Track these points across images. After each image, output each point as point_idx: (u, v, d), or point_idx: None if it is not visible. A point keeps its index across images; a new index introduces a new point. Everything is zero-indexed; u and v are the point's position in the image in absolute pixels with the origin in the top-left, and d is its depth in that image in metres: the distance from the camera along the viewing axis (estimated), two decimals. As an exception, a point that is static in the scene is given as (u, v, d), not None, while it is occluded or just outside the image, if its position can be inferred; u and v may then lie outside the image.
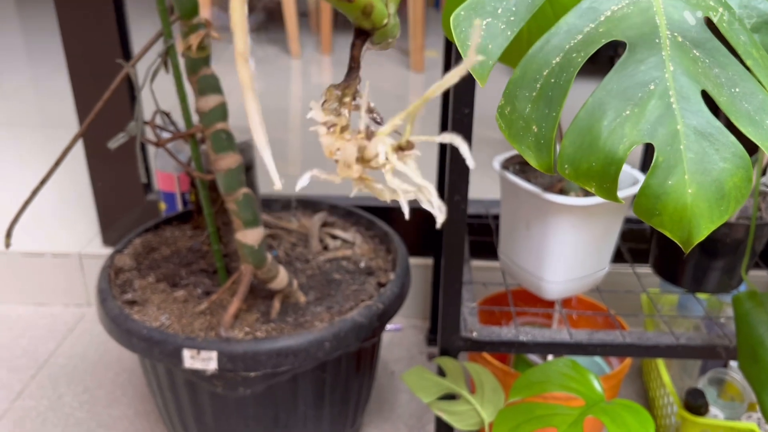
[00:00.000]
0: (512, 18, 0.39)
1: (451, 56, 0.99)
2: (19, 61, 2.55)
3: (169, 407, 0.84)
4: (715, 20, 0.38)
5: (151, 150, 1.20)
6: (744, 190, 0.33)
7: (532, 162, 0.37)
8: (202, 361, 0.73)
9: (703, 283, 0.85)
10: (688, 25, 0.37)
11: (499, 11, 0.39)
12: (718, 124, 0.34)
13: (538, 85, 0.37)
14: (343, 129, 0.25)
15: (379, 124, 0.24)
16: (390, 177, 0.21)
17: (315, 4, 2.68)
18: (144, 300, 0.81)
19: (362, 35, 0.24)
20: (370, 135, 0.23)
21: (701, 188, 0.33)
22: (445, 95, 1.02)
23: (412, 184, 0.21)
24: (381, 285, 0.87)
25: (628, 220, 1.04)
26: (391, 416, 1.03)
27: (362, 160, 0.23)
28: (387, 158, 0.21)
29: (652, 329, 1.05)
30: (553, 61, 0.37)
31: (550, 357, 0.95)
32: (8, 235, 0.77)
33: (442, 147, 1.05)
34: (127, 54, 1.09)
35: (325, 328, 0.75)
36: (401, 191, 0.21)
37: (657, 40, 0.36)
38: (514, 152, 0.87)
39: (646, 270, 0.94)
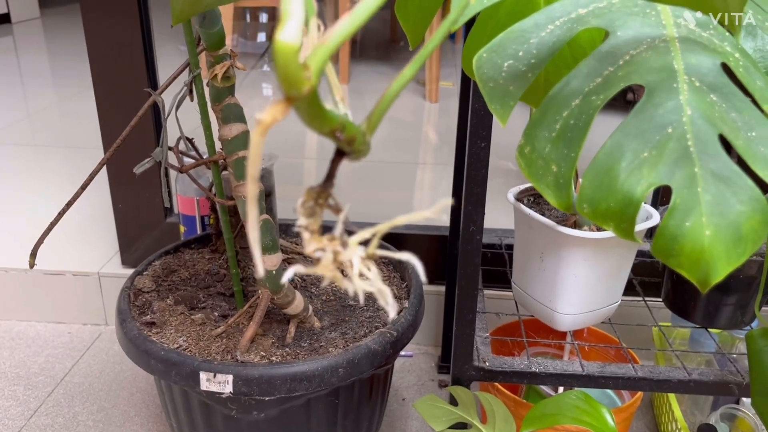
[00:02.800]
0: (533, 61, 0.41)
1: (469, 89, 1.01)
2: (45, 82, 2.60)
3: (183, 428, 0.85)
4: (731, 65, 0.39)
5: (172, 174, 1.22)
6: (761, 233, 0.34)
7: (552, 201, 0.38)
8: (218, 384, 0.74)
9: (716, 319, 0.86)
10: (705, 69, 0.38)
11: (520, 54, 0.41)
12: (735, 167, 0.35)
13: (558, 126, 0.39)
14: (321, 228, 0.29)
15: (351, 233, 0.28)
16: (356, 279, 0.26)
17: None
18: (162, 322, 0.82)
19: (342, 154, 0.29)
20: (344, 243, 0.27)
21: (718, 230, 0.34)
22: (462, 129, 1.03)
23: (373, 285, 0.25)
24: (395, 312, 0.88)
25: (639, 254, 1.05)
26: (401, 444, 1.04)
27: (337, 262, 0.27)
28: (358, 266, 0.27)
29: (663, 363, 1.05)
30: (573, 103, 0.39)
31: (560, 389, 0.96)
32: (33, 255, 0.79)
33: (457, 177, 1.06)
34: (153, 80, 1.11)
35: (340, 354, 0.76)
36: (362, 290, 0.25)
37: (675, 85, 0.38)
38: (528, 184, 0.88)
39: (657, 303, 0.94)
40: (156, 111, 1.15)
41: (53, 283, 1.25)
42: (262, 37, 3.09)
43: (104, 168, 1.18)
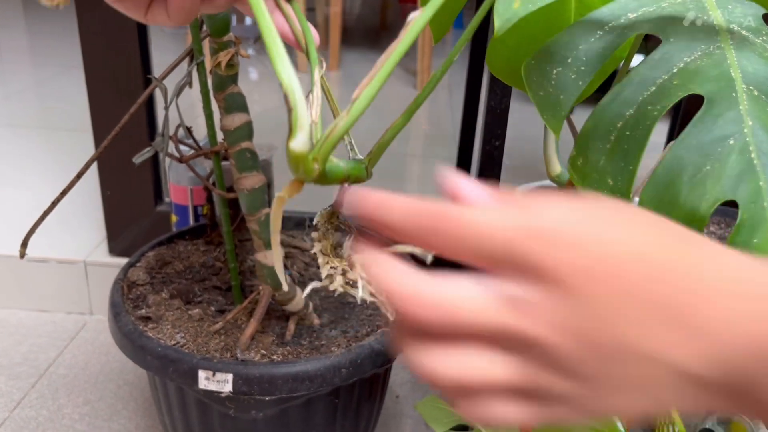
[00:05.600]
0: (583, 68, 0.39)
1: (479, 85, 0.99)
2: (24, 62, 2.53)
3: (177, 426, 0.83)
4: (788, 76, 0.38)
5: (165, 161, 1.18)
6: (827, 252, 0.32)
7: (604, 213, 0.36)
8: (218, 383, 0.71)
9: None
10: (762, 78, 0.37)
11: (569, 60, 0.39)
12: (799, 182, 0.34)
13: (613, 137, 0.37)
14: (332, 246, 0.35)
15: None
16: (361, 290, 0.32)
17: (323, 20, 2.68)
18: (158, 317, 0.79)
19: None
20: (351, 264, 0.33)
21: (786, 249, 0.33)
22: (466, 127, 1.01)
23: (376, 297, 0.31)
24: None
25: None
26: (396, 442, 1.02)
27: (345, 277, 0.33)
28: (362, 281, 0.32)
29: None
30: (627, 113, 0.37)
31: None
32: (24, 244, 0.76)
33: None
34: (146, 64, 1.08)
35: (342, 353, 0.74)
36: (368, 297, 0.32)
37: (734, 94, 0.36)
38: (534, 184, 0.87)
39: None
40: (149, 98, 1.11)
41: (37, 271, 1.21)
42: (249, 20, 3.04)
43: (92, 144, 1.14)
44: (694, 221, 0.34)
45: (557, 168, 0.72)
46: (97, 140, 1.12)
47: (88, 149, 1.11)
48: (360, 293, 0.32)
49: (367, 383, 0.82)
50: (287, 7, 0.36)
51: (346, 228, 0.37)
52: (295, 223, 1.03)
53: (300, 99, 0.29)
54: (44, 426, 1.00)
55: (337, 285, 0.34)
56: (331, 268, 0.35)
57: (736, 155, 0.34)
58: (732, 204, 0.35)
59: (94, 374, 1.11)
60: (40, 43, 2.76)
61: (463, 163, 1.05)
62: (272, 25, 0.29)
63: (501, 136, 0.69)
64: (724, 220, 0.94)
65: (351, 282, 0.34)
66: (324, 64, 0.37)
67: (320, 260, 0.35)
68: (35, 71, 2.40)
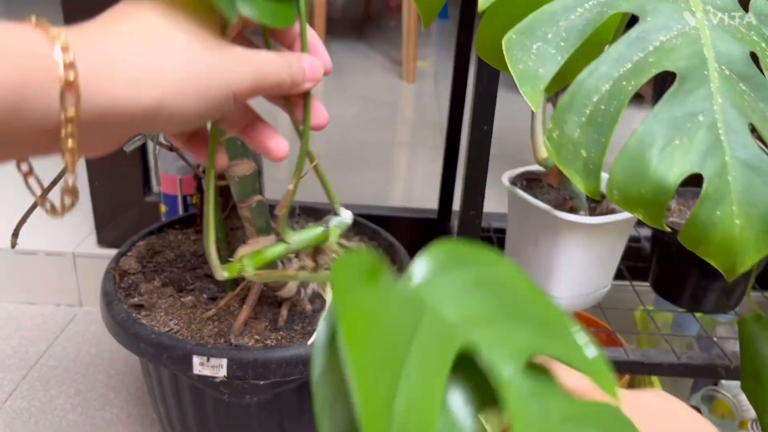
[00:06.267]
0: (562, 44, 0.40)
1: (466, 72, 1.00)
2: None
3: (171, 413, 0.84)
4: (758, 55, 0.39)
5: (153, 151, 1.19)
6: (792, 222, 0.34)
7: (580, 186, 0.38)
8: (212, 368, 0.72)
9: (702, 303, 0.87)
10: (735, 58, 0.38)
11: (549, 36, 0.40)
12: (765, 157, 0.35)
13: (588, 111, 0.38)
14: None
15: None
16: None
17: (307, 10, 2.68)
18: (151, 304, 0.80)
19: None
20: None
21: (749, 220, 0.34)
22: (454, 112, 1.03)
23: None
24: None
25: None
26: (387, 426, 1.04)
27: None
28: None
29: (646, 346, 1.07)
30: (603, 88, 0.38)
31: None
32: (15, 234, 0.76)
33: (448, 161, 1.06)
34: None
35: (335, 337, 0.76)
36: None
37: (705, 72, 0.38)
38: (521, 169, 0.88)
39: (640, 288, 0.95)
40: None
41: (25, 263, 1.21)
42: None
43: (81, 145, 1.15)
44: (661, 193, 0.36)
45: (544, 152, 0.74)
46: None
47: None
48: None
49: (358, 366, 0.84)
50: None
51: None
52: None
53: None
54: (36, 417, 1.01)
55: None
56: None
57: (704, 131, 0.36)
58: (692, 183, 0.37)
59: (84, 365, 1.12)
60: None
61: (452, 150, 1.06)
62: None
63: (489, 122, 0.70)
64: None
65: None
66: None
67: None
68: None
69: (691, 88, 0.37)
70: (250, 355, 0.72)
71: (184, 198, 1.08)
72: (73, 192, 0.30)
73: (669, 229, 0.37)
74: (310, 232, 0.45)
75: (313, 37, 0.38)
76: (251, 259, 0.42)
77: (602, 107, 0.38)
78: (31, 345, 1.15)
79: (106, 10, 0.30)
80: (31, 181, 0.31)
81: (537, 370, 0.27)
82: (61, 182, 0.30)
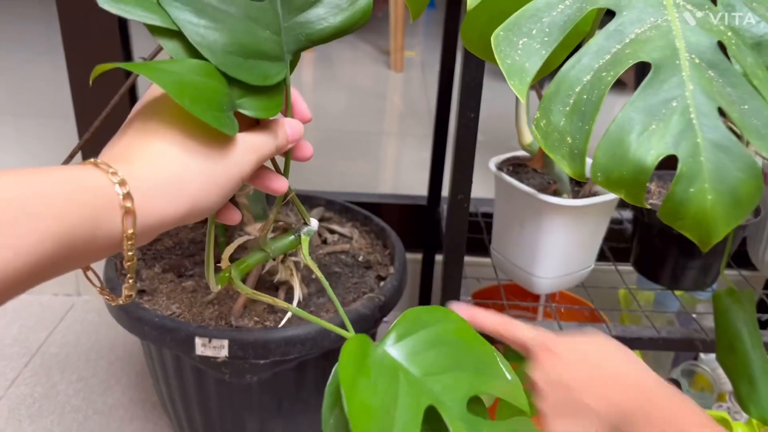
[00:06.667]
0: (546, 39, 0.43)
1: (453, 61, 1.03)
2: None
3: (174, 394, 0.87)
4: (725, 43, 0.43)
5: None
6: (755, 197, 0.38)
7: (567, 170, 0.41)
8: (214, 348, 0.75)
9: (681, 281, 0.91)
10: (704, 47, 0.42)
11: (534, 32, 0.43)
12: (733, 137, 0.39)
13: (572, 101, 0.42)
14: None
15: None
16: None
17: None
18: (153, 290, 0.83)
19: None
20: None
21: (719, 195, 0.38)
22: (442, 100, 1.06)
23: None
24: (380, 278, 0.91)
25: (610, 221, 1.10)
26: (381, 405, 1.07)
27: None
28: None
29: (628, 323, 1.11)
30: (585, 79, 0.42)
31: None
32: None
33: (436, 148, 1.09)
34: (126, 51, 1.10)
35: (331, 318, 0.79)
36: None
37: (677, 62, 0.41)
38: (507, 155, 0.91)
39: (622, 268, 0.99)
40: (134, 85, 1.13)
41: (23, 254, 1.23)
42: None
43: (77, 136, 1.17)
44: (641, 173, 0.39)
45: (528, 138, 0.77)
46: (80, 126, 1.14)
47: (63, 135, 1.13)
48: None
49: (354, 346, 0.87)
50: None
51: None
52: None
53: None
54: (40, 402, 1.04)
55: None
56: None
57: (678, 116, 0.39)
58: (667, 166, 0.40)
59: (85, 352, 1.15)
60: (6, 29, 2.73)
61: (440, 138, 1.09)
62: None
63: (476, 109, 0.73)
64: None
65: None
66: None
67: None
68: (2, 58, 2.38)
69: (665, 77, 0.40)
70: (250, 336, 0.75)
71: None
72: (132, 288, 0.38)
73: (649, 206, 0.40)
74: (284, 241, 0.51)
75: (294, 94, 0.44)
76: (237, 267, 0.48)
77: (584, 97, 0.41)
78: (31, 333, 1.18)
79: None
80: (90, 274, 0.39)
81: (474, 403, 0.42)
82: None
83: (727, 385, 1.00)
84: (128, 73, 1.12)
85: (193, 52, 0.38)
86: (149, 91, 0.40)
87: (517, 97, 0.75)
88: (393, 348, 0.42)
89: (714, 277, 0.91)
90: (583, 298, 1.10)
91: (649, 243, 0.92)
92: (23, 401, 1.03)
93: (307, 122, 0.45)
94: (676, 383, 0.93)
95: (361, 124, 1.91)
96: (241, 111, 0.39)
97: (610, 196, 0.82)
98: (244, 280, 0.82)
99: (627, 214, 1.09)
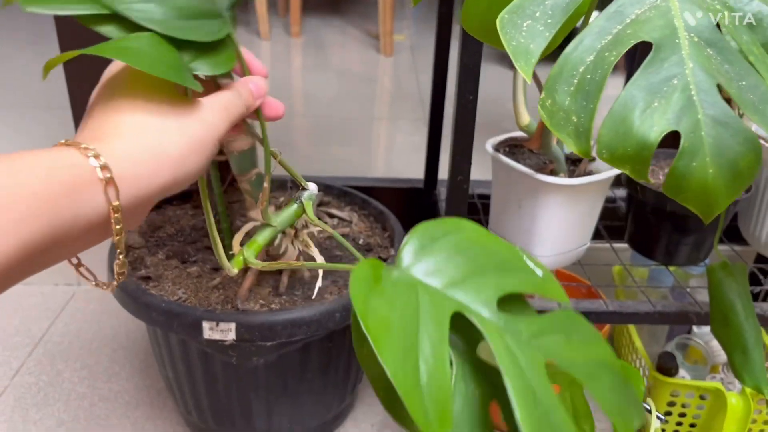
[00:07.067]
0: (549, 20, 0.44)
1: (447, 44, 1.04)
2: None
3: (180, 379, 0.88)
4: (722, 22, 0.44)
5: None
6: (754, 169, 0.39)
7: (573, 148, 0.43)
8: (221, 332, 0.77)
9: (675, 256, 0.93)
10: (702, 26, 0.43)
11: (537, 14, 0.45)
12: (731, 112, 0.40)
13: (576, 81, 0.43)
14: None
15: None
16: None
17: (281, -14, 2.68)
18: (158, 276, 0.84)
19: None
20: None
21: (720, 169, 0.39)
22: (437, 83, 1.07)
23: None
24: (382, 260, 0.92)
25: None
26: (383, 385, 1.09)
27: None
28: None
29: (623, 299, 1.14)
30: (588, 59, 0.43)
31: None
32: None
33: (432, 130, 1.10)
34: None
35: (335, 300, 0.80)
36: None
37: (677, 41, 0.42)
38: (503, 136, 0.93)
39: (617, 246, 1.01)
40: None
41: (22, 245, 1.24)
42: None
43: (72, 124, 1.17)
44: (644, 149, 0.41)
45: (526, 119, 0.79)
46: (77, 116, 1.14)
47: (72, 122, 1.13)
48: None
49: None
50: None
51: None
52: (278, 186, 1.08)
53: None
54: (45, 390, 1.05)
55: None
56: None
57: (678, 93, 0.41)
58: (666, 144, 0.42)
59: (88, 341, 1.15)
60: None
61: (436, 121, 1.10)
62: None
63: (474, 91, 0.74)
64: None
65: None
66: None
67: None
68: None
69: (665, 56, 0.42)
70: (256, 318, 0.76)
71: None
72: (123, 266, 0.38)
73: (652, 181, 0.42)
74: (289, 211, 0.52)
75: (245, 53, 0.45)
76: (249, 248, 0.49)
77: (588, 76, 0.42)
78: (33, 323, 1.18)
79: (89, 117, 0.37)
80: (82, 269, 0.39)
81: (509, 302, 0.38)
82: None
83: (720, 358, 1.02)
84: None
85: (131, 29, 0.39)
86: (105, 73, 0.40)
87: (514, 79, 0.76)
88: (408, 267, 0.39)
89: (707, 252, 0.93)
90: (580, 276, 1.12)
91: (643, 220, 0.94)
92: (29, 390, 1.04)
93: (264, 76, 0.46)
94: (671, 356, 0.96)
95: (352, 109, 1.92)
96: (197, 72, 0.40)
97: (606, 175, 0.84)
98: (246, 276, 0.83)
99: (620, 193, 1.11)
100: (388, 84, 2.18)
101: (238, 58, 0.44)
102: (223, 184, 0.89)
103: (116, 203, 0.33)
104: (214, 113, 0.39)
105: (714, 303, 0.77)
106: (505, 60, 2.11)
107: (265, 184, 0.51)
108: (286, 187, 1.08)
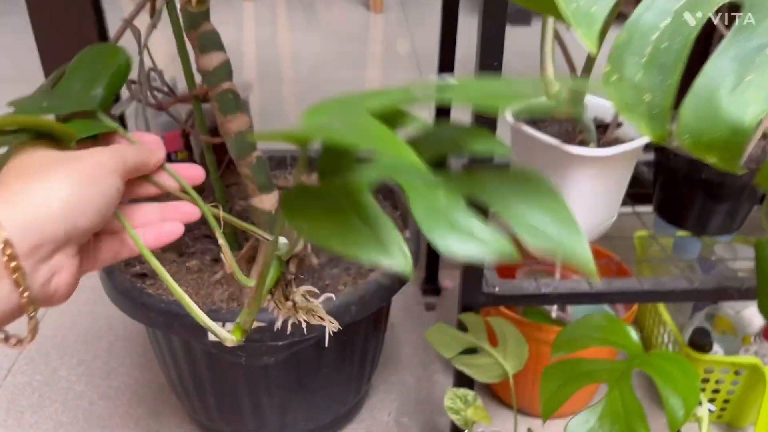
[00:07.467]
0: (612, -23, 0.37)
1: (456, 5, 0.95)
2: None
3: (184, 379, 0.82)
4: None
5: (129, 109, 1.13)
6: None
7: (646, 132, 0.36)
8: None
9: (707, 226, 0.87)
10: (799, -17, 0.36)
11: (599, -32, 0.37)
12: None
13: (648, 51, 0.36)
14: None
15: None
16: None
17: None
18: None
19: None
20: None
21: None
22: (445, 47, 0.98)
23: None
24: (395, 243, 0.85)
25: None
26: (397, 368, 1.04)
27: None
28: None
29: (648, 273, 1.08)
30: (662, 24, 0.36)
31: (569, 308, 0.97)
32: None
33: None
34: (98, 10, 1.01)
35: (351, 292, 0.74)
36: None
37: (771, 1, 0.35)
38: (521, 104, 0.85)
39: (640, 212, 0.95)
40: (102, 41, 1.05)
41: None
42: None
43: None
44: (737, 134, 0.34)
45: (556, 85, 0.71)
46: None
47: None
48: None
49: (373, 317, 0.82)
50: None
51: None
52: (277, 163, 1.00)
53: None
54: (40, 391, 0.99)
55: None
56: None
57: (778, 64, 0.34)
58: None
59: (82, 334, 1.09)
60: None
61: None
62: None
63: (499, 57, 0.67)
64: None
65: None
66: None
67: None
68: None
69: (759, 18, 0.35)
70: (266, 317, 0.70)
71: (169, 156, 1.03)
72: (35, 330, 0.40)
73: (745, 171, 0.35)
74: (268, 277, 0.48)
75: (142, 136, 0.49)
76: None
77: (664, 45, 0.35)
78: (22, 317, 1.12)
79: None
80: None
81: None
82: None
83: (752, 328, 0.97)
84: (99, 30, 1.04)
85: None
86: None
87: (542, 42, 0.68)
88: None
89: (741, 220, 0.87)
90: (606, 249, 1.06)
91: (673, 188, 0.87)
92: (22, 391, 0.98)
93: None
94: (705, 332, 0.90)
95: (343, 73, 1.82)
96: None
97: (638, 143, 0.77)
98: (250, 258, 0.76)
99: (646, 157, 1.04)
100: (380, 44, 2.08)
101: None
102: (220, 168, 0.82)
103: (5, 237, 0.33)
104: (100, 153, 0.41)
105: (761, 278, 0.71)
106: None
107: (222, 245, 0.49)
108: (286, 164, 1.01)
